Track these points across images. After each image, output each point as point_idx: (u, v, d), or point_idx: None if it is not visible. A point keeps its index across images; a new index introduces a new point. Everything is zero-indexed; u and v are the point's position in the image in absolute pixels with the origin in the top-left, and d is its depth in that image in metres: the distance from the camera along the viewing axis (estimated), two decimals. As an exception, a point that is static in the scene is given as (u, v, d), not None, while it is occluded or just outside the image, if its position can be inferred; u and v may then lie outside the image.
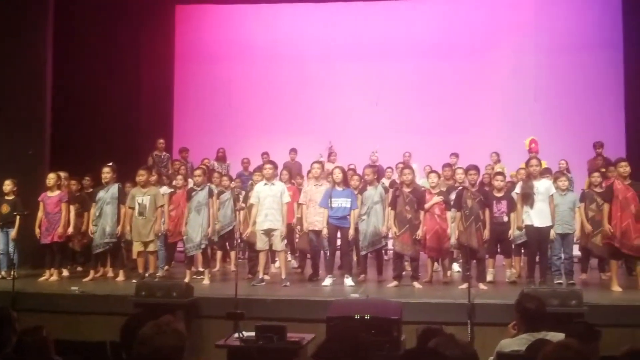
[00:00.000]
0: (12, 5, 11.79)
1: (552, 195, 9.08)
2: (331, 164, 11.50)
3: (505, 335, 4.74)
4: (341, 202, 9.44)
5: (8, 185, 10.47)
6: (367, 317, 6.43)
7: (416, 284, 9.29)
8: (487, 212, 9.21)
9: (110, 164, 10.37)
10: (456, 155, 12.23)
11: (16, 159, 11.50)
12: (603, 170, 10.64)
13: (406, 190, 9.37)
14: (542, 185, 9.13)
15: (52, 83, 12.39)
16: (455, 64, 14.79)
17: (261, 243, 9.51)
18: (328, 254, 9.84)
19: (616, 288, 8.83)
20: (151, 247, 9.93)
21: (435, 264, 10.14)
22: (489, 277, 9.59)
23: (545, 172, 9.70)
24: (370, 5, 15.03)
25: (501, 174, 10.07)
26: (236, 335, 6.74)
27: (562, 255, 9.46)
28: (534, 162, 9.38)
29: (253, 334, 6.66)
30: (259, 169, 10.72)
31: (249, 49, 15.58)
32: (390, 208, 9.44)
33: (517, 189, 9.38)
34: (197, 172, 10.13)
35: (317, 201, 9.76)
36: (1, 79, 11.64)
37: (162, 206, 9.95)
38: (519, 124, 13.75)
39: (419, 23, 15.07)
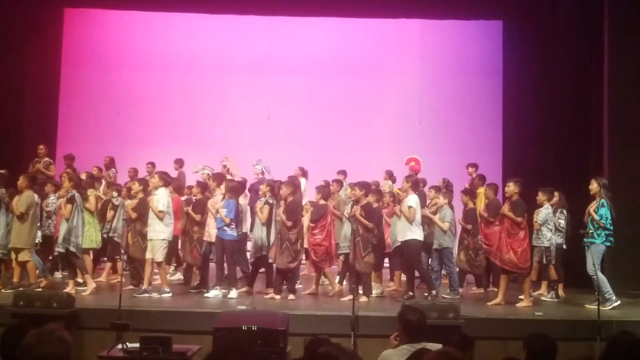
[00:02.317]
0: None
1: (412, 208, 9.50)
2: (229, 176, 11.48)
3: (388, 346, 4.90)
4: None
5: None
6: (254, 328, 6.50)
7: (291, 296, 9.52)
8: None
9: (3, 171, 10.03)
10: (344, 172, 12.52)
11: None
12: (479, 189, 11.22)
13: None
14: (412, 200, 9.57)
15: None
16: (348, 83, 15.14)
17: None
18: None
19: (498, 301, 9.30)
20: (21, 256, 9.64)
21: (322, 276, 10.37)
22: (376, 291, 9.91)
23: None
24: (266, 20, 15.13)
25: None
26: (120, 346, 6.64)
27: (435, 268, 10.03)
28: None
29: (137, 345, 6.58)
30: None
31: (140, 57, 15.33)
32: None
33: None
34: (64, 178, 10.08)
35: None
36: None
37: (24, 213, 9.66)
38: (406, 143, 14.22)
39: (314, 41, 15.34)
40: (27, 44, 14.33)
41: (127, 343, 6.60)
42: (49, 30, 14.94)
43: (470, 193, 10.64)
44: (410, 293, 9.44)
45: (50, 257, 10.91)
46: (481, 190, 11.05)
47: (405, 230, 9.52)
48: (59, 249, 9.45)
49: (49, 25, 14.93)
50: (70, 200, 9.48)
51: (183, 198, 11.08)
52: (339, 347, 3.83)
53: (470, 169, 12.20)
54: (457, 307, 7.96)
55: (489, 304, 9.35)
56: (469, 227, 10.25)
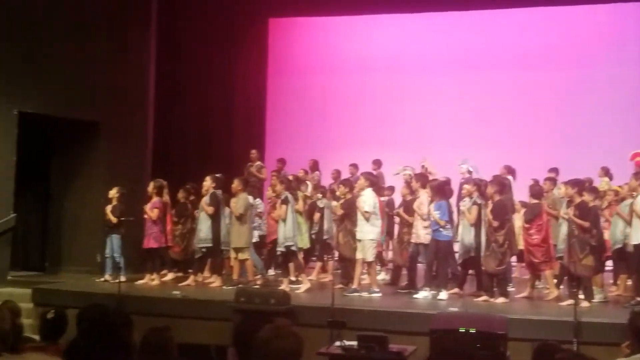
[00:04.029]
0: (116, 22, 12.31)
1: None
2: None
3: (617, 355, 4.59)
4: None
5: (113, 192, 10.87)
6: (473, 330, 6.30)
7: (503, 299, 9.15)
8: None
9: (219, 175, 10.64)
10: (555, 170, 11.84)
11: (121, 168, 11.99)
12: None
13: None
14: None
15: (154, 95, 12.88)
16: (556, 75, 14.36)
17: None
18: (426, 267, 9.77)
19: None
20: (240, 255, 10.12)
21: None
22: (599, 296, 9.26)
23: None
24: (465, 15, 14.83)
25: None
26: (337, 343, 6.74)
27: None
28: None
29: (354, 343, 6.65)
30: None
31: (342, 61, 15.63)
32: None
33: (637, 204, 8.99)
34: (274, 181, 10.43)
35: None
36: (106, 92, 12.11)
37: (243, 214, 10.13)
38: (627, 137, 13.16)
39: (519, 32, 14.72)
40: (234, 55, 15.24)
41: (345, 341, 6.69)
42: (255, 40, 15.75)
43: None
44: (638, 299, 8.70)
45: (262, 257, 11.41)
46: None
47: (638, 232, 8.78)
48: (281, 248, 9.84)
49: (255, 35, 15.73)
50: (285, 202, 9.86)
51: (383, 199, 11.10)
52: (578, 355, 3.55)
53: None
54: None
55: None
56: None
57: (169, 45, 13.69)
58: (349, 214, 9.93)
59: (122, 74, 12.30)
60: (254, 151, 13.53)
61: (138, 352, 3.89)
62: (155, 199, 10.70)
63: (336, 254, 10.54)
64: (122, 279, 10.07)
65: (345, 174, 12.69)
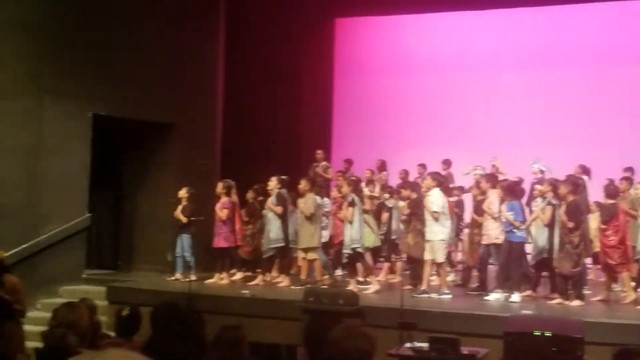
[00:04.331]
0: (185, 25, 12.53)
1: None
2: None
3: None
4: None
5: (183, 192, 11.04)
6: (548, 334, 6.11)
7: (578, 302, 8.86)
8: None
9: (284, 177, 10.70)
10: (630, 169, 11.42)
11: (191, 168, 12.19)
12: None
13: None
14: None
15: (223, 97, 13.05)
16: (629, 70, 13.87)
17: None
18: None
19: None
20: (309, 255, 10.11)
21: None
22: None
23: None
24: (535, 11, 14.48)
25: None
26: (408, 345, 6.66)
27: None
28: None
29: (424, 344, 6.55)
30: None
31: (409, 60, 15.47)
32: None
33: None
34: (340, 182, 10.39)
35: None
36: (176, 94, 12.33)
37: (313, 214, 10.14)
38: None
39: (586, 29, 14.31)
40: (301, 56, 15.28)
41: (415, 342, 6.61)
42: (321, 40, 15.74)
43: None
44: None
45: (329, 257, 11.39)
46: None
47: None
48: (347, 250, 9.81)
49: (321, 36, 15.74)
50: (352, 204, 9.81)
51: (452, 199, 10.94)
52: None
53: None
54: None
55: None
56: None
57: (236, 46, 13.85)
58: (417, 213, 9.82)
59: (192, 76, 12.52)
60: (319, 151, 13.55)
61: (211, 349, 3.93)
62: (224, 199, 10.81)
63: (404, 254, 10.44)
64: (193, 277, 10.23)
65: (413, 175, 12.58)
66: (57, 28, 11.07)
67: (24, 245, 10.31)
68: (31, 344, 5.20)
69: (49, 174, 11.00)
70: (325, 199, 11.72)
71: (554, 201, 9.45)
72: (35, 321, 8.61)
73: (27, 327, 7.78)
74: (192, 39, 12.63)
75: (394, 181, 12.79)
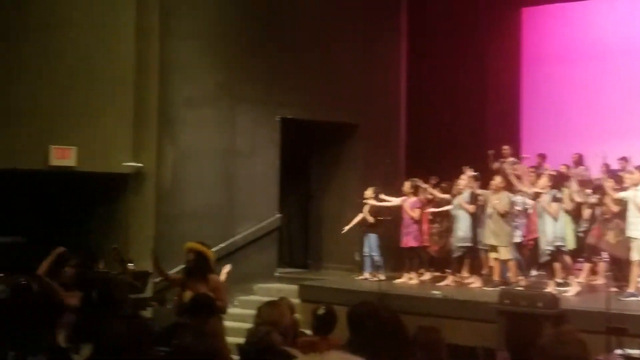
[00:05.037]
0: (367, 26, 12.57)
1: None
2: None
3: None
4: None
5: (369, 192, 11.07)
6: None
7: None
8: None
9: (475, 173, 10.39)
10: None
11: (376, 168, 12.22)
12: None
13: None
14: None
15: (405, 94, 12.97)
16: None
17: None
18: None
19: None
20: (500, 254, 9.69)
21: None
22: None
23: None
24: None
25: None
26: (619, 352, 6.16)
27: None
28: None
29: (637, 351, 6.02)
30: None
31: (603, 47, 14.42)
32: None
33: None
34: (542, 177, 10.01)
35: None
36: (360, 95, 12.42)
37: (508, 212, 9.72)
38: None
39: None
40: (485, 48, 14.81)
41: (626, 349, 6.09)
42: (507, 31, 15.16)
43: None
44: None
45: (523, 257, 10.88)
46: None
47: None
48: (550, 247, 9.31)
49: (507, 26, 15.16)
50: (556, 199, 9.41)
51: None
52: None
53: None
54: None
55: None
56: None
57: (418, 41, 13.69)
58: (623, 211, 9.07)
59: (375, 75, 12.56)
60: (506, 147, 13.02)
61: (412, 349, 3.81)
62: (414, 199, 10.71)
63: (605, 254, 9.70)
64: (381, 277, 10.19)
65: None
66: (244, 38, 11.52)
67: (222, 245, 10.77)
68: (230, 340, 5.38)
69: (242, 176, 11.47)
70: (519, 197, 11.18)
71: None
72: (233, 317, 8.92)
73: (226, 324, 8.10)
74: (374, 37, 12.69)
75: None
